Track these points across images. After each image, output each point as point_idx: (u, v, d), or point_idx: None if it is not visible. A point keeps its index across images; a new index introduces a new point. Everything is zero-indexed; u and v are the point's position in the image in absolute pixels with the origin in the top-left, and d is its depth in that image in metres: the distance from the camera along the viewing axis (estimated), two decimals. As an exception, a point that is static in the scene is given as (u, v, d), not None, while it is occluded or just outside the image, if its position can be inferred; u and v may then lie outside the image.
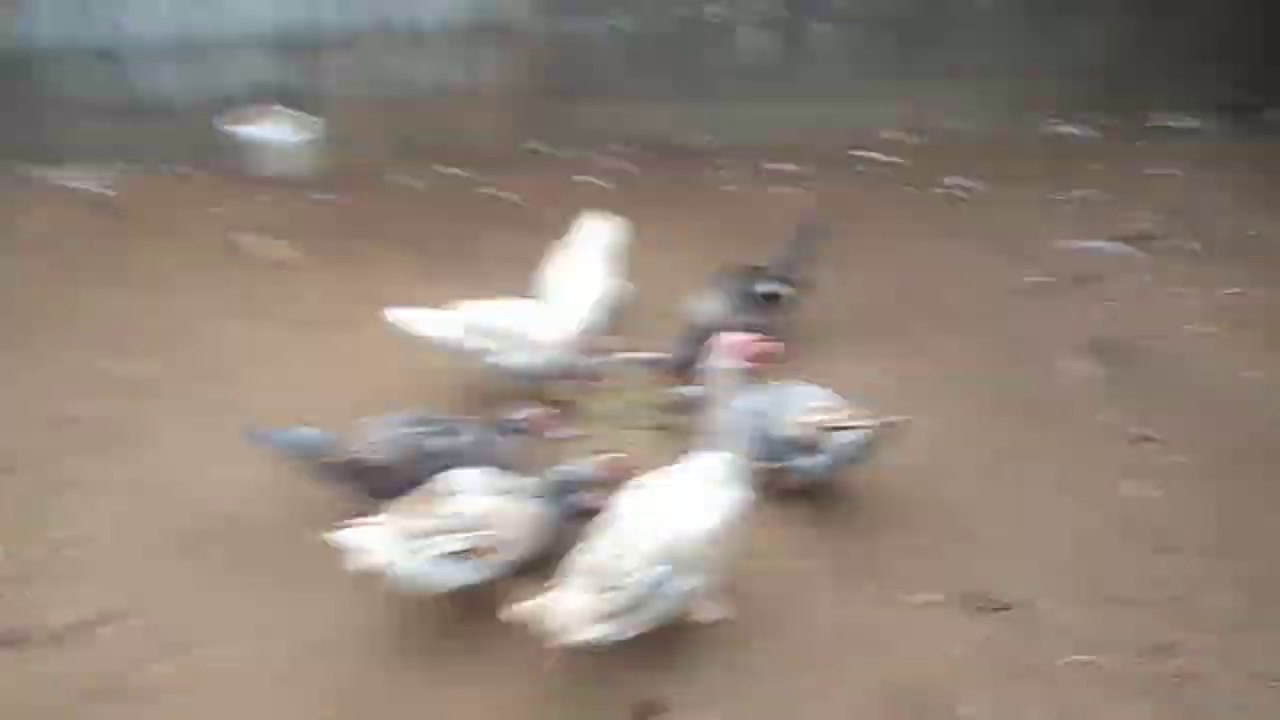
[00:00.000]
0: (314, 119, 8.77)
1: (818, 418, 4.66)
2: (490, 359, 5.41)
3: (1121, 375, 5.67)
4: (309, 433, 4.65)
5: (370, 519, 4.07)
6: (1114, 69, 8.39)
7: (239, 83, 8.90)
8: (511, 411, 4.79)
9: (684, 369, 5.52)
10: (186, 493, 5.06)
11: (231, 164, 8.77)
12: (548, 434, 4.84)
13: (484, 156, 8.82)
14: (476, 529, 4.09)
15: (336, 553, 3.95)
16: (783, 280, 5.93)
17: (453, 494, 4.19)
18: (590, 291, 5.86)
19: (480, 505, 4.16)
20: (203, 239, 7.74)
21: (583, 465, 4.50)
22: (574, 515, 4.29)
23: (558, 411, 4.90)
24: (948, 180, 7.82)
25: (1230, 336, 5.91)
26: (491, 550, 4.13)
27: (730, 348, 4.31)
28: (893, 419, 4.47)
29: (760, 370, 4.34)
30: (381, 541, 4.01)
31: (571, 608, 3.74)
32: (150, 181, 8.77)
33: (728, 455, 4.10)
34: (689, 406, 5.19)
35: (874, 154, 8.28)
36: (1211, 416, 5.31)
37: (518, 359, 5.37)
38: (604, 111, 8.79)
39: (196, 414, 5.71)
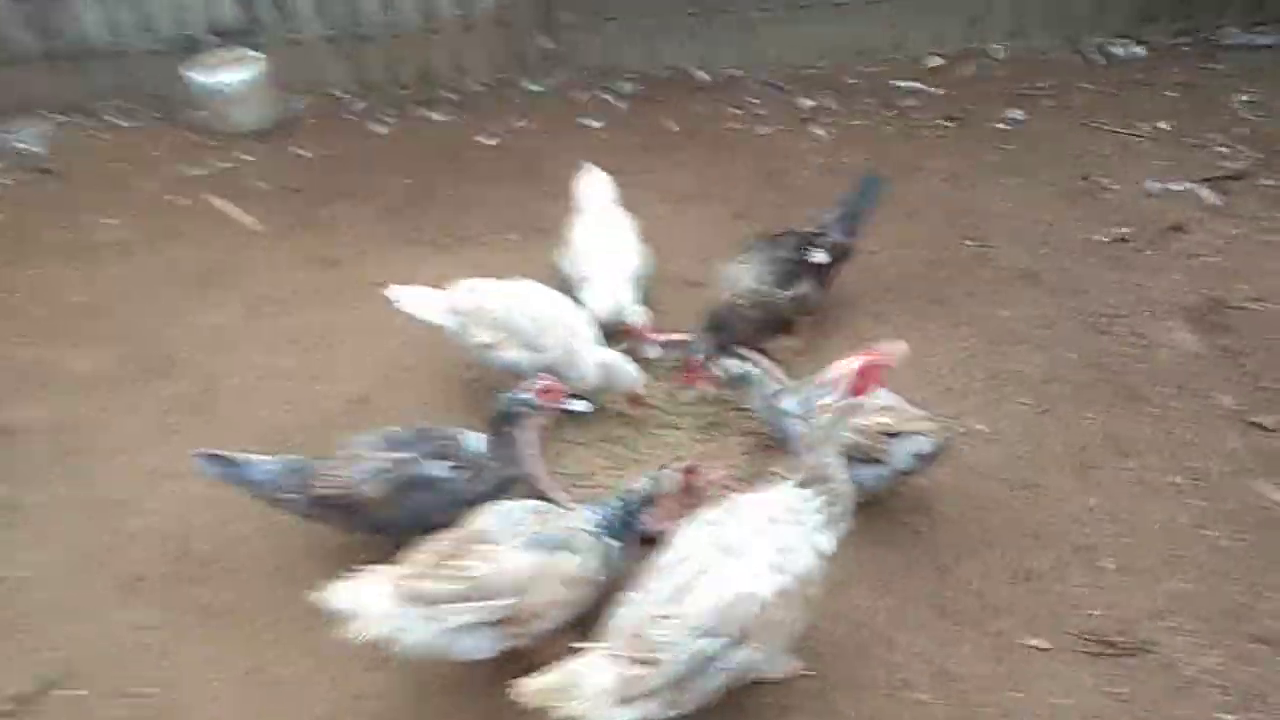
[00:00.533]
0: (277, 61, 7.81)
1: (876, 419, 3.87)
2: (505, 356, 4.56)
3: (1228, 347, 4.85)
4: (271, 465, 3.85)
5: (371, 573, 3.29)
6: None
7: (194, 21, 7.90)
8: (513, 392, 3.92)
9: (716, 355, 4.68)
10: (147, 520, 4.29)
11: (186, 115, 7.87)
12: (563, 405, 4.00)
13: (474, 99, 7.86)
14: (511, 596, 3.30)
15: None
16: (835, 247, 5.04)
17: (482, 544, 3.38)
18: (623, 267, 5.00)
19: (517, 566, 3.34)
20: (155, 204, 6.91)
21: (651, 482, 3.69)
22: (638, 547, 3.62)
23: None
24: (1004, 114, 6.86)
25: (1350, 297, 5.06)
26: (530, 619, 3.36)
27: (848, 377, 3.18)
28: (970, 426, 3.68)
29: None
30: (385, 605, 3.24)
31: (595, 685, 2.97)
32: (94, 137, 7.81)
33: (826, 495, 3.27)
34: (744, 394, 4.36)
35: (918, 84, 7.29)
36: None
37: (548, 358, 4.51)
38: (611, 42, 7.79)
39: (154, 416, 4.92)
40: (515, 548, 3.38)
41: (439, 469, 3.84)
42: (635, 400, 4.62)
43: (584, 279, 4.98)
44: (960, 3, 7.55)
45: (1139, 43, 7.46)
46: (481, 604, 3.27)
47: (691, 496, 3.93)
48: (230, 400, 5.06)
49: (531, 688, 2.95)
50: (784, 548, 3.18)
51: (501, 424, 3.88)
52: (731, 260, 5.02)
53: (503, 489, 3.92)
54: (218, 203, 6.87)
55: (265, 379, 5.16)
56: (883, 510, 4.16)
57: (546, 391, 3.89)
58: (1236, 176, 6.03)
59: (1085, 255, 5.55)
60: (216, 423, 4.89)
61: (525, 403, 3.85)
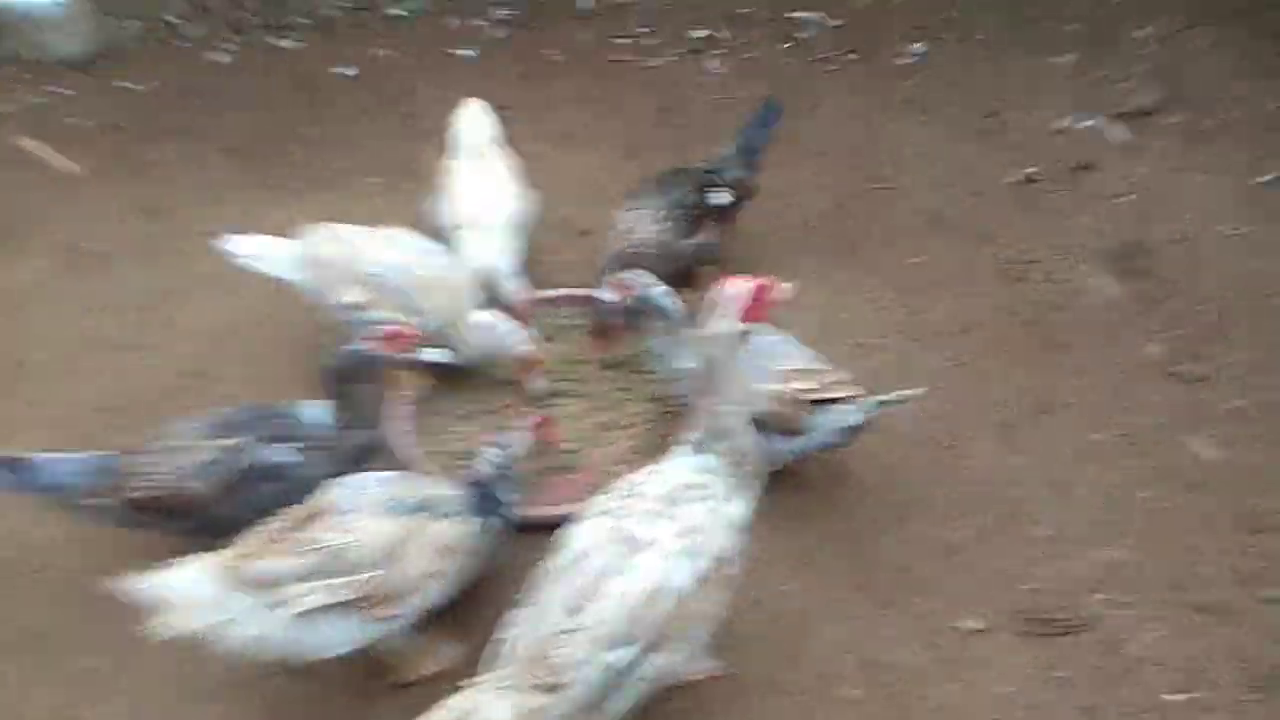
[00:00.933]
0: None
1: (796, 386, 3.44)
2: (376, 320, 3.80)
3: (1149, 292, 4.59)
4: (71, 463, 3.17)
5: (192, 558, 2.75)
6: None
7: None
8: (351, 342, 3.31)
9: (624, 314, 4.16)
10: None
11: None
12: (409, 356, 3.39)
13: (329, 23, 7.02)
14: (374, 569, 2.79)
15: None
16: (738, 184, 4.56)
17: (333, 514, 2.86)
18: (501, 213, 4.38)
19: (378, 532, 2.84)
20: None
21: (498, 452, 3.20)
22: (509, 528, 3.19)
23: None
24: (903, 47, 6.47)
25: (1269, 237, 4.88)
26: (392, 598, 2.84)
27: (734, 299, 2.78)
28: (904, 394, 3.30)
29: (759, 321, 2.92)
30: (209, 590, 2.69)
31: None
32: None
33: (728, 455, 2.82)
34: (654, 363, 3.84)
35: (816, 13, 6.82)
36: (1264, 342, 4.30)
37: (429, 323, 3.85)
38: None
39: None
40: (373, 515, 2.86)
41: (282, 453, 3.22)
42: (528, 367, 4.02)
43: (458, 229, 4.32)
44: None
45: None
46: (339, 579, 2.74)
47: (591, 476, 3.45)
48: (35, 377, 4.27)
49: None
50: (693, 528, 2.71)
51: (340, 383, 3.26)
52: (624, 205, 4.48)
53: (358, 461, 3.32)
54: (25, 143, 5.92)
55: (79, 350, 4.39)
56: (791, 479, 3.69)
57: (393, 339, 3.26)
58: (1145, 112, 5.79)
59: (994, 197, 5.22)
60: (16, 406, 4.11)
61: (366, 355, 3.24)
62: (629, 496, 2.82)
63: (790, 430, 3.43)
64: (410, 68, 6.50)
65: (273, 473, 3.20)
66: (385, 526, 2.85)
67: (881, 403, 3.38)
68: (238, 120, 6.04)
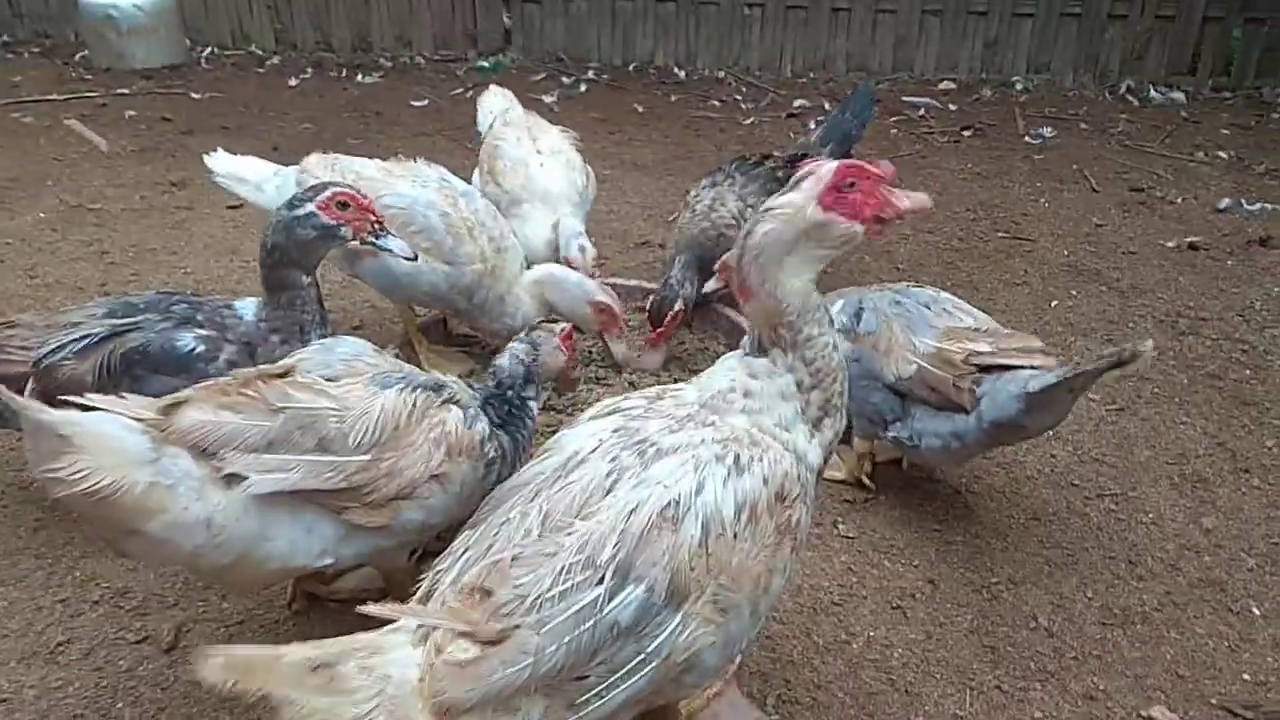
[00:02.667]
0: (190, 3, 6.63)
1: (964, 345, 2.46)
2: (397, 266, 2.97)
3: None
4: None
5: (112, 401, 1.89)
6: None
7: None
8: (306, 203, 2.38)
9: (689, 305, 3.32)
10: None
11: (73, 51, 6.65)
12: (371, 237, 2.48)
13: (412, 68, 6.71)
14: (355, 451, 1.93)
15: None
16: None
17: (302, 374, 2.01)
18: (562, 187, 3.56)
19: (368, 401, 1.98)
20: (7, 122, 5.53)
21: (528, 347, 2.33)
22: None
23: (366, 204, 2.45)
24: (1032, 130, 5.80)
25: None
26: (385, 500, 1.97)
27: (820, 175, 1.74)
28: (1129, 349, 2.17)
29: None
30: (136, 443, 1.82)
31: (393, 677, 1.51)
32: None
33: (801, 371, 1.84)
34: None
35: (928, 99, 6.28)
36: None
37: (465, 275, 3.04)
38: (575, 26, 6.73)
39: None
40: (361, 384, 2.00)
41: (185, 338, 2.35)
42: (608, 321, 3.14)
43: (516, 202, 3.51)
44: (976, 26, 6.60)
45: (1178, 89, 6.51)
46: (322, 457, 1.88)
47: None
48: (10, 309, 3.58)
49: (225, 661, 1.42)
50: (736, 436, 1.73)
51: (279, 268, 2.39)
52: (702, 184, 3.69)
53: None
54: (71, 123, 5.52)
55: (56, 290, 3.69)
56: (903, 505, 2.73)
57: (344, 207, 2.38)
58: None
59: (1149, 258, 4.33)
60: None
61: (312, 223, 2.36)
62: (655, 400, 1.87)
63: (951, 404, 2.43)
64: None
65: (170, 360, 2.33)
66: (380, 399, 1.97)
67: (1078, 369, 2.24)
68: (289, 126, 5.60)
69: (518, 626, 1.51)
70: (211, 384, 1.96)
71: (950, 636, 2.34)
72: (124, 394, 2.03)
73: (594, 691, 1.55)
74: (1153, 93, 6.48)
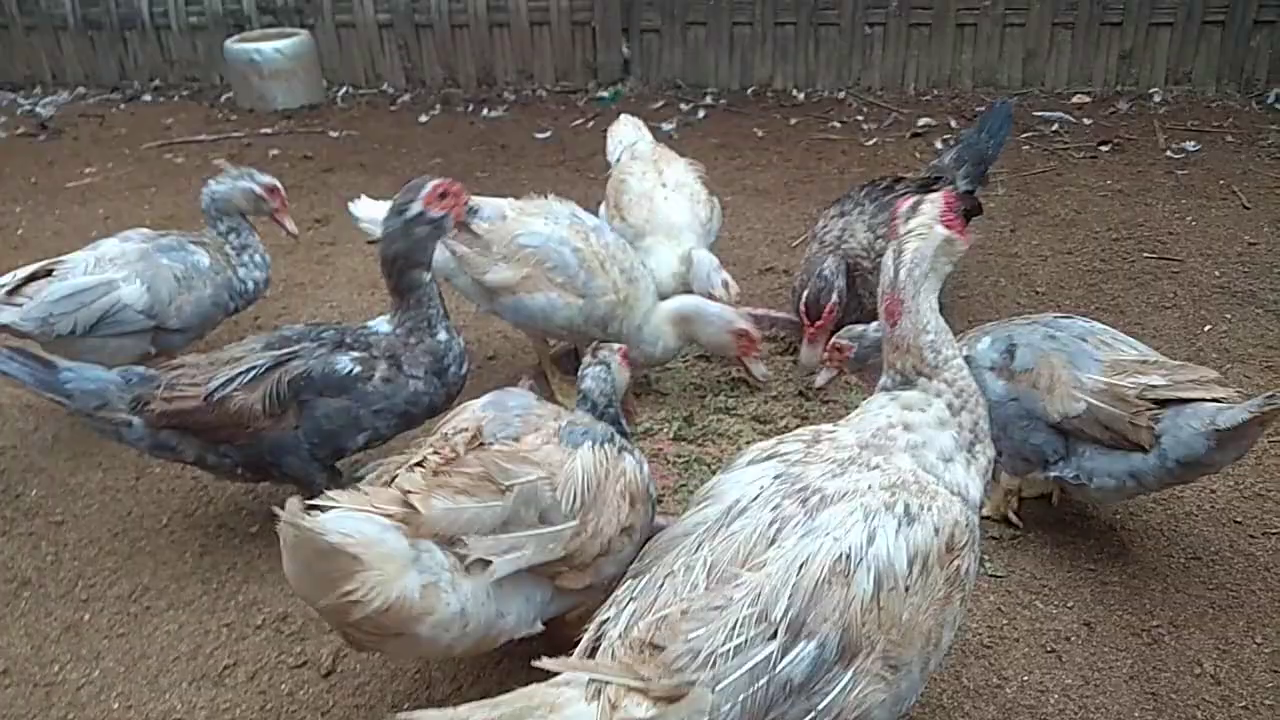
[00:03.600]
0: (326, 44, 6.98)
1: (1133, 378, 2.35)
2: (532, 301, 3.15)
3: None
4: (104, 374, 2.58)
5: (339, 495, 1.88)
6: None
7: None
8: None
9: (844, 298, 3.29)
10: None
11: (219, 95, 7.10)
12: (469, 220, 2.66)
13: (535, 100, 6.86)
14: (566, 517, 1.98)
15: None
16: (965, 196, 3.69)
17: (495, 440, 2.06)
18: (690, 219, 3.60)
19: (571, 466, 2.02)
20: (145, 160, 6.09)
21: (602, 368, 2.34)
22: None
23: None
24: (1174, 144, 5.54)
25: None
26: (594, 554, 2.02)
27: (935, 203, 1.93)
28: None
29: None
30: (398, 544, 1.82)
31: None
32: (111, 105, 7.08)
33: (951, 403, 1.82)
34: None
35: (1061, 114, 6.08)
36: None
37: (598, 308, 3.13)
38: (693, 54, 6.78)
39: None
40: (551, 444, 2.05)
41: (343, 362, 2.52)
42: (747, 345, 3.18)
43: (640, 235, 3.56)
44: (1110, 37, 6.35)
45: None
46: (546, 530, 1.92)
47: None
48: None
49: None
50: (903, 482, 1.71)
51: (405, 272, 2.55)
52: (830, 213, 3.66)
53: (438, 373, 2.64)
54: (220, 163, 5.84)
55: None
56: (1054, 543, 2.64)
57: (443, 196, 2.52)
58: None
59: (1315, 278, 4.05)
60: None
61: (424, 220, 2.49)
62: (813, 444, 1.86)
63: (1127, 442, 2.34)
64: (600, 134, 6.11)
65: (332, 382, 2.50)
66: (578, 459, 2.02)
67: (1273, 403, 2.14)
68: (418, 160, 5.80)
69: (692, 683, 1.51)
70: (408, 460, 1.99)
71: (1109, 682, 2.24)
72: (295, 424, 2.20)
73: None
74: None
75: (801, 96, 6.66)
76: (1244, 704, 2.18)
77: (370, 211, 3.41)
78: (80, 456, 3.20)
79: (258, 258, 3.53)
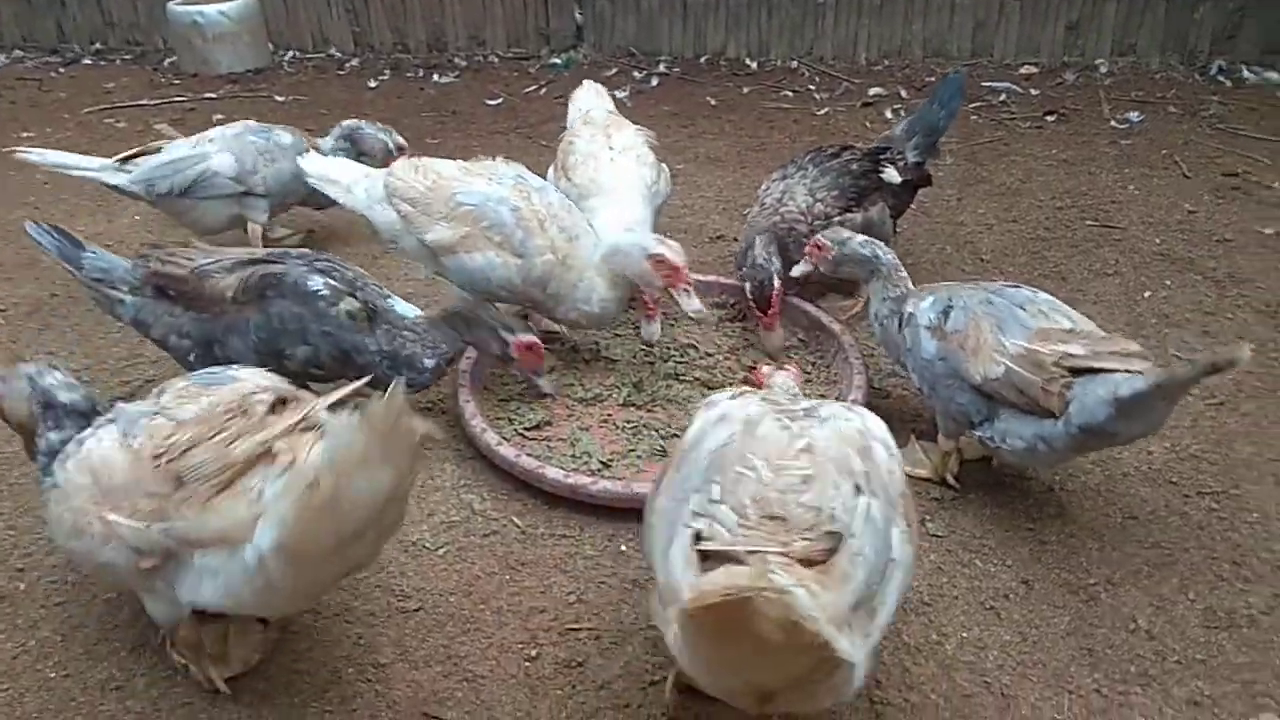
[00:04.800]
0: (271, 7, 6.81)
1: (1054, 345, 2.39)
2: (471, 261, 3.14)
3: None
4: (119, 261, 2.93)
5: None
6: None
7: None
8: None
9: (769, 292, 3.29)
10: None
11: (161, 59, 6.94)
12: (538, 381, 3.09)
13: (486, 67, 6.77)
14: None
15: None
16: (915, 168, 3.72)
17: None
18: (637, 183, 3.56)
19: None
20: (86, 125, 5.95)
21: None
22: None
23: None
24: (1118, 115, 5.63)
25: None
26: None
27: None
28: (1224, 355, 2.08)
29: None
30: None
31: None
32: (48, 69, 6.90)
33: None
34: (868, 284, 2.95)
35: (1009, 84, 6.14)
36: None
37: (536, 267, 3.11)
38: (646, 21, 6.72)
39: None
40: None
41: (315, 281, 2.81)
42: (672, 275, 3.03)
43: (585, 196, 3.52)
44: (1058, 8, 6.41)
45: (1273, 69, 6.24)
46: None
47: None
48: (81, 309, 3.79)
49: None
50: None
51: (464, 326, 2.95)
52: (773, 176, 3.68)
53: (405, 366, 2.88)
54: (162, 127, 5.70)
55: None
56: (994, 504, 2.69)
57: (528, 349, 2.96)
58: None
59: (1245, 246, 4.17)
60: (53, 329, 3.70)
61: (499, 337, 2.93)
62: (753, 403, 1.94)
63: (1040, 408, 2.37)
64: (554, 100, 6.08)
65: (297, 294, 2.78)
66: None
67: (1172, 376, 2.17)
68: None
69: (839, 536, 1.63)
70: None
71: (1046, 638, 2.29)
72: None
73: (880, 594, 1.68)
74: (1246, 73, 6.22)
75: (754, 65, 6.65)
76: (1177, 659, 2.24)
77: (320, 168, 3.41)
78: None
79: None
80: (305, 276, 2.80)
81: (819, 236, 2.99)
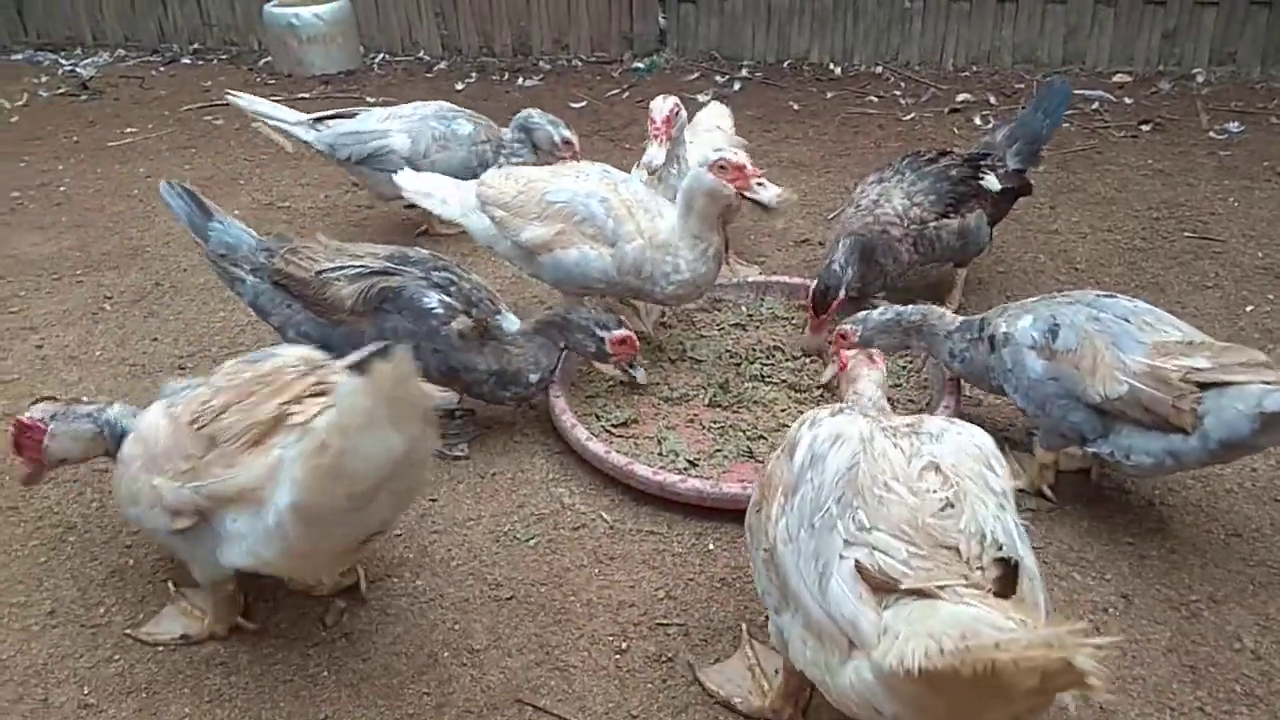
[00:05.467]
0: (365, 11, 6.98)
1: (1178, 360, 2.34)
2: (566, 257, 3.20)
3: None
4: (247, 234, 3.04)
5: None
6: None
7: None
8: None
9: (849, 296, 3.29)
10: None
11: (257, 59, 7.17)
12: (628, 366, 3.17)
13: (570, 70, 6.85)
14: None
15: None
16: (1015, 175, 3.66)
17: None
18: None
19: None
20: (186, 122, 6.17)
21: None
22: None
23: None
24: (1217, 125, 5.47)
25: None
26: None
27: None
28: None
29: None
30: None
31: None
32: (150, 68, 7.13)
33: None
34: (926, 342, 2.92)
35: (1102, 93, 6.02)
36: None
37: (629, 254, 3.13)
38: (729, 26, 6.73)
39: (88, 303, 3.75)
40: None
41: (432, 299, 2.85)
42: (743, 177, 2.95)
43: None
44: (1153, 16, 6.25)
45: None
46: None
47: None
48: (184, 298, 3.93)
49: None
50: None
51: (559, 334, 3.01)
52: (869, 179, 3.66)
53: (510, 383, 2.95)
54: (259, 126, 5.88)
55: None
56: (1092, 517, 2.64)
57: (622, 343, 2.99)
58: None
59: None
60: (158, 316, 3.83)
61: (595, 336, 2.97)
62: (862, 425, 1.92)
63: (1169, 425, 2.32)
64: (635, 105, 6.12)
65: (412, 309, 2.83)
66: None
67: None
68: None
69: (1010, 560, 1.60)
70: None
71: (1147, 654, 2.24)
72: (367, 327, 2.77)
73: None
74: (1357, 82, 5.99)
75: (838, 70, 6.61)
76: (1282, 679, 2.18)
77: (415, 184, 3.56)
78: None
79: (512, 161, 4.05)
80: (421, 293, 2.83)
81: (840, 327, 2.94)
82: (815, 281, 3.26)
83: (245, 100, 4.27)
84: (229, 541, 2.03)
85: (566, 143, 4.04)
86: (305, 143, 4.22)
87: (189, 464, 2.04)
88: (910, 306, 2.90)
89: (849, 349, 2.83)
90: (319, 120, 4.18)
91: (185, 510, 2.05)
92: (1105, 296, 2.57)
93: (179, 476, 2.04)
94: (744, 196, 3.02)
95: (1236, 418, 2.21)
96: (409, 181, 3.55)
